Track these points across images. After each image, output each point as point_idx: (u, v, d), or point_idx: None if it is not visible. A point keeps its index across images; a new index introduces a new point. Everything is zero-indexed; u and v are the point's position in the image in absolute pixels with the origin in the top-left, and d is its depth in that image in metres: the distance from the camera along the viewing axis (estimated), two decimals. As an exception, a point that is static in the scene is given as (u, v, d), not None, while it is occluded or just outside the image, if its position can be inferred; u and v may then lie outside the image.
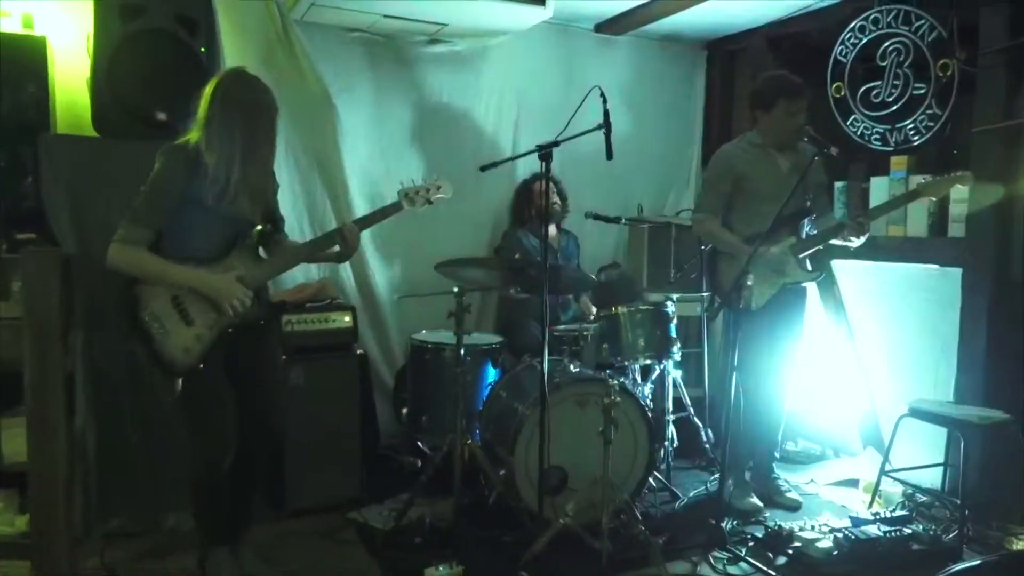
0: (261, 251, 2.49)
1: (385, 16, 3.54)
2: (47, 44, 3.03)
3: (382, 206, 2.68)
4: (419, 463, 3.59)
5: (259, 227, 2.43)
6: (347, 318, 3.32)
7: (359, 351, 3.38)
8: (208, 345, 2.31)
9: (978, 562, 2.44)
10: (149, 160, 2.30)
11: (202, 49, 3.01)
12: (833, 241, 3.13)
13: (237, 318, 2.32)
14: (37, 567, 2.52)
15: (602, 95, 2.61)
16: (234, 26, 3.51)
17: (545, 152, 2.58)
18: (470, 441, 3.05)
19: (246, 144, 2.27)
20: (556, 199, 3.94)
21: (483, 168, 2.69)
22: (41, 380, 2.50)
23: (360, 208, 3.86)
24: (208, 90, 2.28)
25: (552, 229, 3.95)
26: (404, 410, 3.56)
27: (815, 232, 3.24)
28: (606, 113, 2.61)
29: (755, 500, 3.32)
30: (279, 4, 3.59)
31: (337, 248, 2.56)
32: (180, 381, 2.33)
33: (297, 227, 3.76)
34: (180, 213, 2.27)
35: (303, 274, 3.63)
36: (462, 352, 2.99)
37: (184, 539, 2.81)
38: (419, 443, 3.61)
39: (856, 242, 3.10)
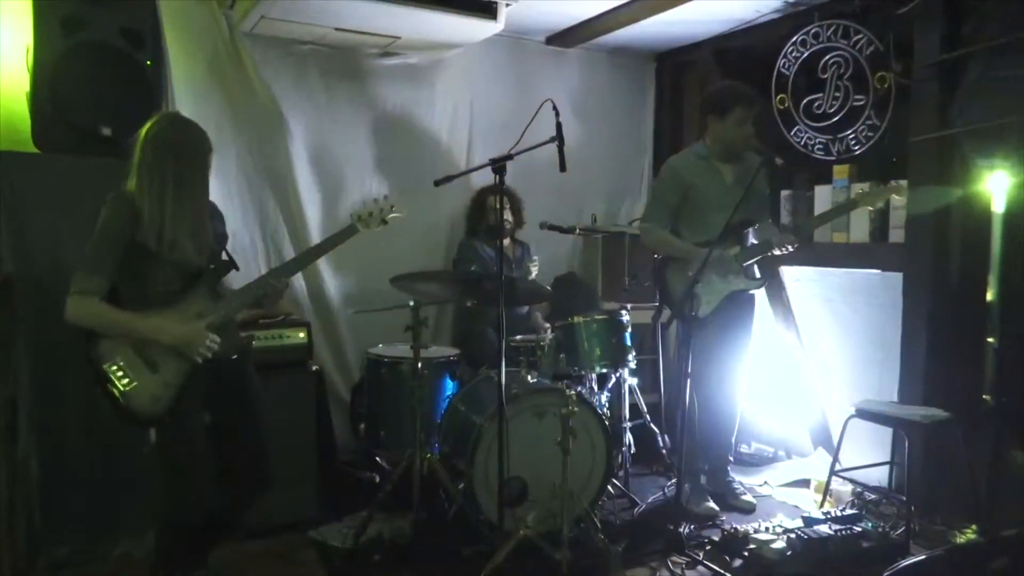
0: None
1: (336, 29, 3.52)
2: (-18, 58, 2.94)
3: (335, 232, 2.65)
4: (377, 478, 3.55)
5: (211, 266, 2.36)
6: (302, 334, 3.28)
7: (314, 367, 3.34)
8: (178, 390, 2.23)
9: (924, 557, 2.53)
10: (93, 177, 2.25)
11: (148, 63, 2.96)
12: (774, 251, 3.22)
13: (206, 362, 2.26)
14: (-21, 601, 2.43)
15: (554, 108, 2.64)
16: (181, 39, 3.44)
17: (499, 166, 2.59)
18: (429, 455, 3.04)
19: (177, 185, 2.20)
20: (508, 216, 3.90)
21: (437, 183, 2.69)
22: (-20, 406, 2.42)
23: (315, 223, 3.83)
24: (140, 134, 2.23)
25: (506, 239, 3.96)
26: (362, 425, 3.53)
27: (757, 242, 3.32)
28: (559, 126, 2.63)
29: (711, 504, 3.39)
30: (228, 17, 3.54)
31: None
32: (153, 431, 2.27)
33: (251, 244, 3.71)
34: (132, 262, 2.20)
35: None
36: (419, 365, 2.98)
37: (136, 565, 2.73)
38: (377, 458, 3.58)
39: (791, 249, 3.20)
